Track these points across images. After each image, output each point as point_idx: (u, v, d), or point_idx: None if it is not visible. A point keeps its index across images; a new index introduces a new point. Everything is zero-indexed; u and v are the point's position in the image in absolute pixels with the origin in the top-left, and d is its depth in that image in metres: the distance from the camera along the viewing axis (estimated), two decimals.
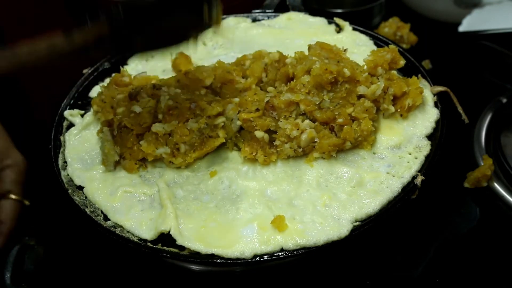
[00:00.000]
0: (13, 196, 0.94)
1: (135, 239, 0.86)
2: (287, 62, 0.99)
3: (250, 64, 1.03)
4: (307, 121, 0.91)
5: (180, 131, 0.90)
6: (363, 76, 0.95)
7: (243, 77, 1.01)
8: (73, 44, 0.82)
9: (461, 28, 1.48)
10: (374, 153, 0.94)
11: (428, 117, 0.98)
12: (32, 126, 1.34)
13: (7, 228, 0.91)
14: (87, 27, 0.84)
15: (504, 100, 1.22)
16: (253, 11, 1.33)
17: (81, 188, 0.94)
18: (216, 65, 1.02)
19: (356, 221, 0.84)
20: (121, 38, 0.85)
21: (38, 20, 1.27)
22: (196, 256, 0.82)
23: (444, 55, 1.42)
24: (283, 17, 1.30)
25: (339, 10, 1.47)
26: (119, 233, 0.86)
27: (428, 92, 1.02)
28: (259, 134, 0.91)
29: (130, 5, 0.82)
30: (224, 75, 1.00)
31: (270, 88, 0.99)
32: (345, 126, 0.91)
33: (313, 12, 1.30)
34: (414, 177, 0.89)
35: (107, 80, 1.11)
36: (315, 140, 0.91)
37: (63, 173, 0.97)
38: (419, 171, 0.90)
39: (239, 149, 0.96)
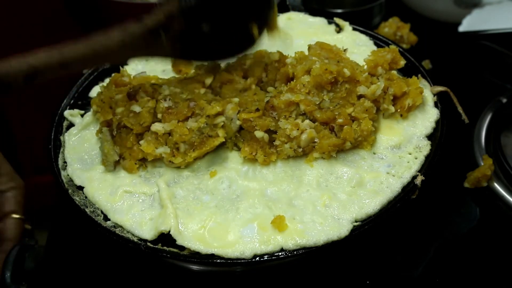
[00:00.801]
0: (17, 216, 0.99)
1: (135, 239, 0.86)
2: (287, 62, 0.99)
3: (250, 64, 1.03)
4: (307, 121, 0.91)
5: (180, 130, 0.90)
6: (363, 76, 0.95)
7: (243, 77, 1.01)
8: (144, 26, 0.85)
9: (461, 28, 1.48)
10: (374, 153, 0.94)
11: (428, 117, 0.98)
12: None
13: (10, 247, 0.95)
14: (157, 9, 0.86)
15: (504, 100, 1.22)
16: None
17: (81, 188, 0.94)
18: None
19: (356, 221, 0.84)
20: (190, 16, 0.87)
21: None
22: (196, 256, 0.82)
23: (444, 55, 1.42)
24: (283, 17, 1.30)
25: (339, 10, 1.47)
26: (119, 233, 0.86)
27: (428, 92, 1.02)
28: (259, 134, 0.91)
29: None
30: (224, 75, 1.00)
31: (270, 88, 0.99)
32: (345, 126, 0.91)
33: (313, 12, 1.30)
34: (414, 177, 0.89)
35: (107, 80, 1.11)
36: (315, 140, 0.91)
37: (63, 173, 0.97)
38: (419, 171, 0.90)
39: (239, 149, 0.96)
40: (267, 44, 1.17)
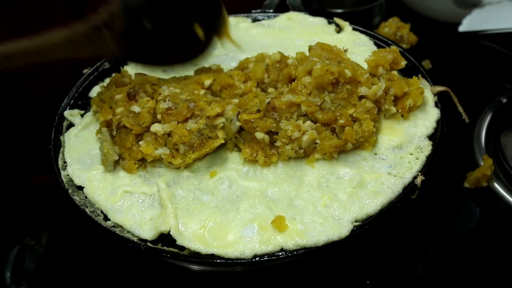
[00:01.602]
0: None
1: (135, 239, 0.86)
2: (288, 62, 0.99)
3: (252, 68, 1.03)
4: (308, 122, 0.91)
5: (179, 131, 0.90)
6: (364, 77, 0.94)
7: (245, 82, 1.01)
8: (87, 23, 0.89)
9: (461, 28, 1.48)
10: (376, 154, 0.94)
11: (429, 117, 0.98)
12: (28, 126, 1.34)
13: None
14: (101, 8, 0.90)
15: (504, 100, 1.22)
16: (253, 11, 1.33)
17: (81, 188, 0.94)
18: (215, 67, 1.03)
19: (356, 221, 0.84)
20: (132, 15, 0.90)
21: None
22: (196, 256, 0.82)
23: (444, 55, 1.42)
24: (283, 17, 1.30)
25: (339, 10, 1.47)
26: (119, 233, 0.86)
27: (428, 92, 1.02)
28: (259, 135, 0.91)
29: None
30: (225, 79, 0.99)
31: (270, 89, 0.99)
32: (347, 127, 0.91)
33: (313, 12, 1.30)
34: (415, 178, 0.89)
35: (107, 80, 1.11)
36: (317, 142, 0.91)
37: (63, 173, 0.97)
38: (420, 171, 0.90)
39: (239, 150, 0.96)
40: (266, 44, 1.18)
